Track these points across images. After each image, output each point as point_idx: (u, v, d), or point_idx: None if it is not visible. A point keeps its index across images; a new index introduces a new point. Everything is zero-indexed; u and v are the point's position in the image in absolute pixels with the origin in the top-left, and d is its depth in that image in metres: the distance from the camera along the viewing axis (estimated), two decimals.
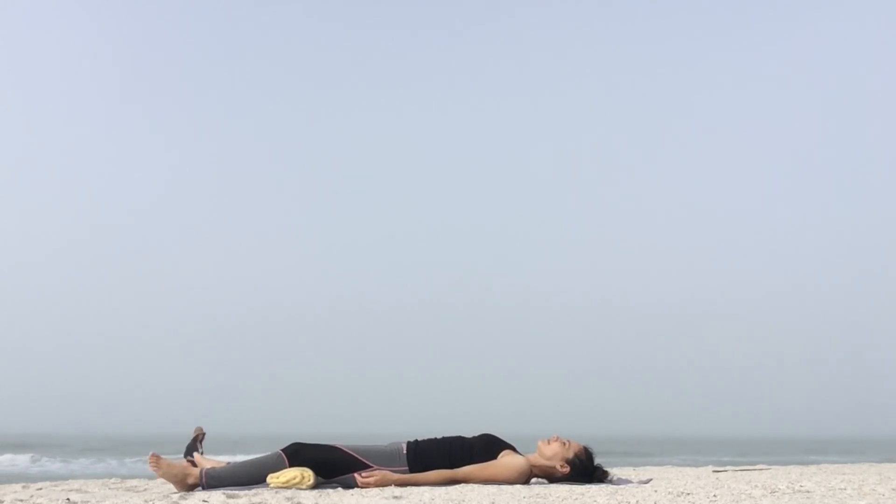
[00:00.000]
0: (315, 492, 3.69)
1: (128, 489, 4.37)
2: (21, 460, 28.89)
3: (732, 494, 3.21)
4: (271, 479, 3.88)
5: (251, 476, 3.95)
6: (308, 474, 3.88)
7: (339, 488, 3.92)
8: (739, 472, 5.28)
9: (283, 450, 4.00)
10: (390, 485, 3.89)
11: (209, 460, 4.24)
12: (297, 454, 3.96)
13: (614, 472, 4.82)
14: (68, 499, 3.46)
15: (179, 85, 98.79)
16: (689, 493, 3.27)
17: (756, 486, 3.57)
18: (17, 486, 4.56)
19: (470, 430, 4.27)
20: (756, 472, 5.35)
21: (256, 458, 4.08)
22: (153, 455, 3.93)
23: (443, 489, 3.66)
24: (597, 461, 4.20)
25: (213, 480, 3.93)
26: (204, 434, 14.11)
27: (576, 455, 4.14)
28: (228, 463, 4.16)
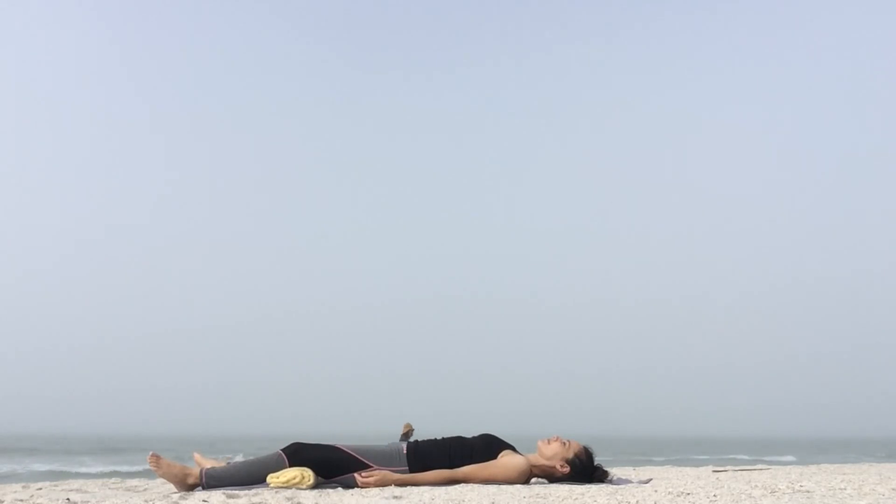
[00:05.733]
0: (315, 492, 3.69)
1: (128, 489, 4.36)
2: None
3: (732, 494, 3.21)
4: (271, 479, 3.88)
5: (251, 476, 3.94)
6: (308, 474, 3.88)
7: (339, 488, 3.91)
8: (739, 472, 5.28)
9: (283, 450, 4.00)
10: (390, 485, 3.89)
11: (209, 460, 4.24)
12: (297, 454, 3.96)
13: (614, 472, 4.82)
14: (68, 499, 3.45)
15: (184, 88, 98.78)
16: (689, 493, 3.26)
17: (756, 486, 3.56)
18: (17, 486, 4.55)
19: (470, 430, 4.27)
20: (756, 472, 5.35)
21: (256, 458, 4.07)
22: (153, 455, 3.92)
23: (443, 489, 3.66)
24: (597, 461, 4.20)
25: (213, 480, 3.93)
26: (413, 430, 13.68)
27: (576, 455, 4.13)
28: (228, 463, 4.16)
